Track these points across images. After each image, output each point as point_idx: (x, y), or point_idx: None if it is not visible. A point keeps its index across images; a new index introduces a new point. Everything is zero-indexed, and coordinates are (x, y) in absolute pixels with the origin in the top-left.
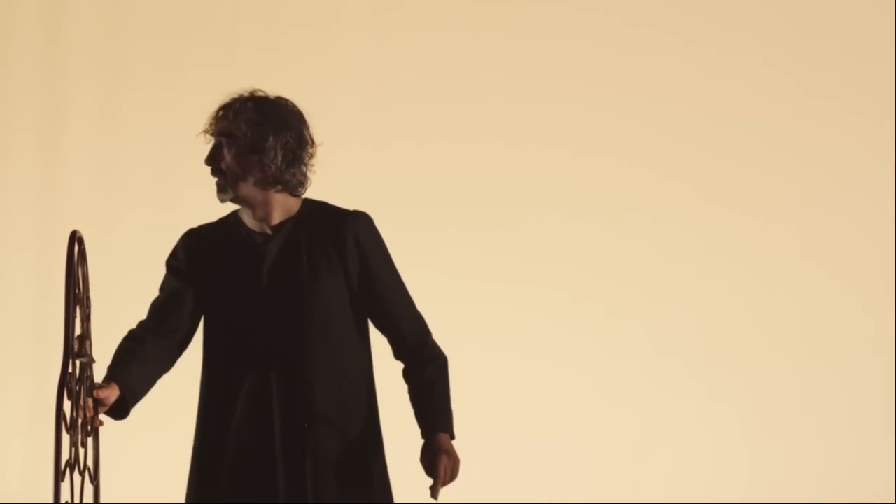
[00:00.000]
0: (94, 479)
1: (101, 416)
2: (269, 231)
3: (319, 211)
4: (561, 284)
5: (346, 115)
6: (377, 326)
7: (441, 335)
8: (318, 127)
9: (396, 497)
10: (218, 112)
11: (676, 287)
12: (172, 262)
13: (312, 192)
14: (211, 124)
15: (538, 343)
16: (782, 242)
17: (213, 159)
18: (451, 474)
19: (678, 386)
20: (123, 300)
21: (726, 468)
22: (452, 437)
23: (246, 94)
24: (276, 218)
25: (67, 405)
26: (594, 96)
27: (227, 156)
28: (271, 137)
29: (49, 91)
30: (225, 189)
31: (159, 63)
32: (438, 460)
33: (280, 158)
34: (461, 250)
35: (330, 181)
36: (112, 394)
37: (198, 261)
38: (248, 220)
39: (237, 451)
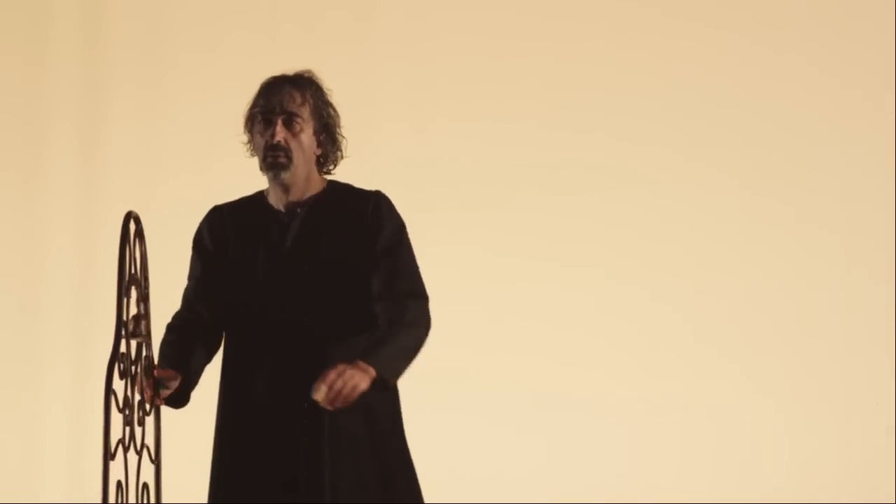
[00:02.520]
0: (155, 458)
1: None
2: (293, 209)
3: (341, 191)
4: (605, 266)
5: (388, 96)
6: (374, 296)
7: (484, 312)
8: (359, 107)
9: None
10: (282, 90)
11: (717, 272)
12: (198, 246)
13: (355, 170)
14: (275, 102)
15: (581, 323)
16: (822, 229)
17: (285, 137)
18: (339, 392)
19: (718, 368)
20: (166, 280)
21: (765, 451)
22: (382, 379)
23: (307, 74)
24: (303, 197)
25: (121, 385)
26: (635, 85)
27: (300, 134)
28: (331, 118)
29: (91, 75)
30: (287, 167)
31: (200, 46)
32: (339, 369)
33: (332, 139)
34: (504, 230)
35: (374, 159)
36: (175, 381)
37: (222, 240)
38: (274, 197)
39: (258, 428)
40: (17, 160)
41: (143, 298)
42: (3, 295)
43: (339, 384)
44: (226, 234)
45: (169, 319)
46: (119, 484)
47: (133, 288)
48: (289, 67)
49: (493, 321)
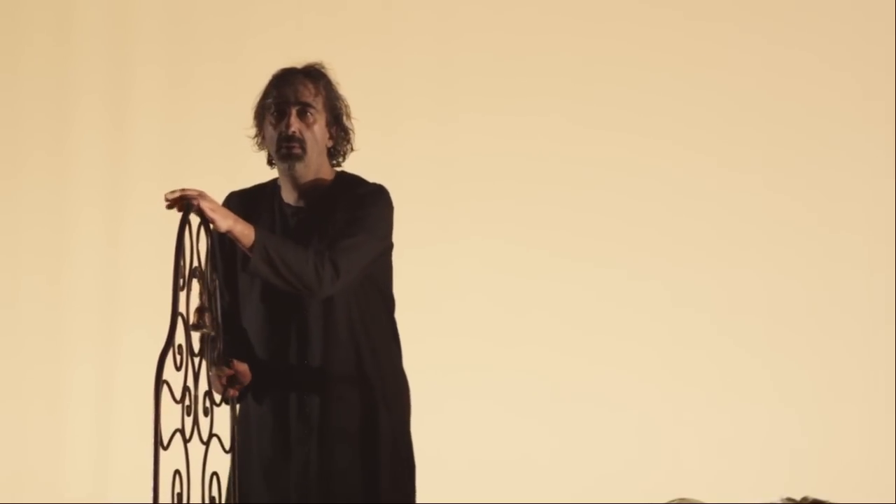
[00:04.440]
0: (231, 449)
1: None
2: (302, 202)
3: (348, 183)
4: (627, 262)
5: (412, 89)
6: None
7: (506, 305)
8: (381, 99)
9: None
10: (295, 81)
11: (738, 267)
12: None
13: (375, 163)
14: (288, 93)
15: (603, 317)
16: (845, 227)
17: (299, 128)
18: (187, 194)
19: (738, 363)
20: None
21: (785, 446)
22: (251, 246)
23: (318, 66)
24: (314, 188)
25: (174, 375)
26: (662, 83)
27: (314, 126)
28: (342, 110)
29: (115, 64)
30: (301, 158)
31: (224, 34)
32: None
33: (343, 131)
34: (527, 224)
35: (398, 152)
36: (248, 375)
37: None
38: (285, 189)
39: (262, 416)
40: (45, 149)
41: (208, 291)
42: (31, 286)
43: (204, 200)
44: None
45: None
46: (177, 473)
47: (196, 280)
48: (316, 55)
49: (516, 314)
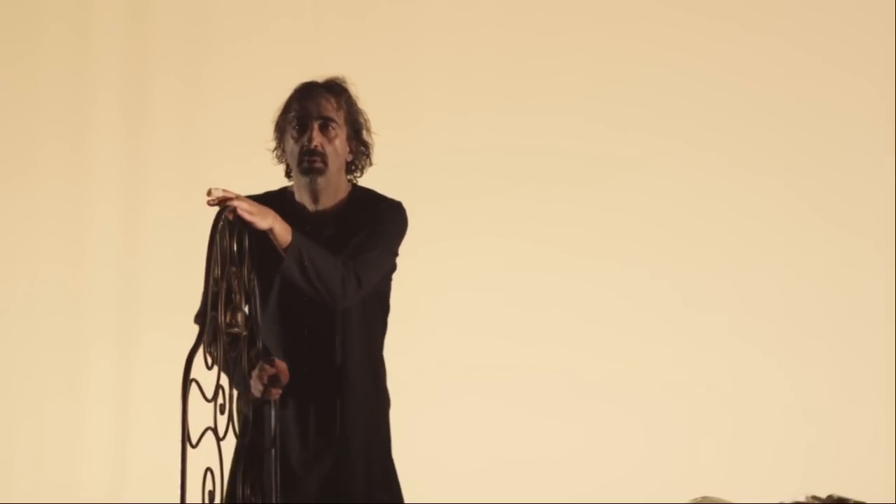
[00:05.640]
0: (273, 445)
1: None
2: (320, 217)
3: (363, 198)
4: (649, 261)
5: (429, 86)
6: None
7: (523, 304)
8: (400, 94)
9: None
10: (318, 96)
11: (759, 266)
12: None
13: (393, 161)
14: (311, 107)
15: (623, 316)
16: (868, 220)
17: (321, 142)
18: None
19: (760, 365)
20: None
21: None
22: (287, 247)
23: (339, 80)
24: (331, 201)
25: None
26: (680, 84)
27: (335, 140)
28: (363, 125)
29: (133, 61)
30: (323, 172)
31: (242, 32)
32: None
33: (363, 146)
34: (546, 222)
35: (416, 145)
36: (287, 372)
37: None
38: (305, 201)
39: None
40: (63, 148)
41: (245, 291)
42: (49, 285)
43: (242, 202)
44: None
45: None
46: (209, 471)
47: (231, 279)
48: (334, 53)
49: (533, 312)
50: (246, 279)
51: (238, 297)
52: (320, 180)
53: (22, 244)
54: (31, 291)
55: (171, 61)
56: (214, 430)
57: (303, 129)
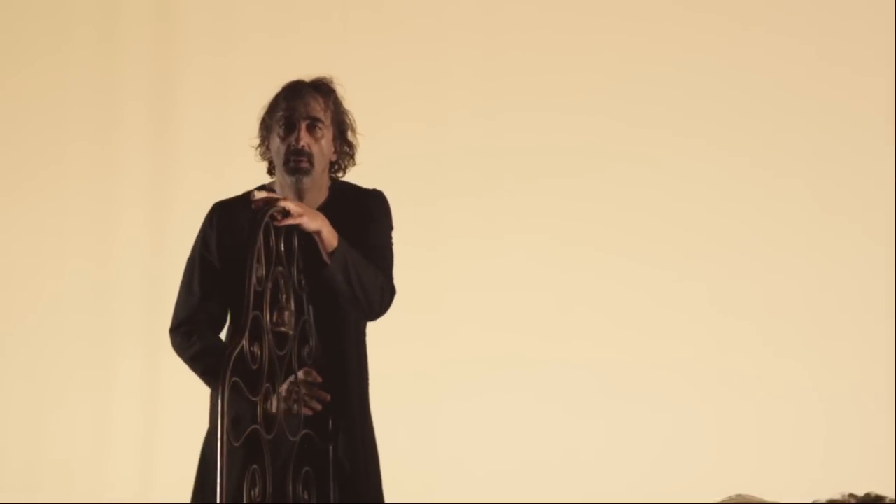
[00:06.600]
0: (324, 441)
1: None
2: None
3: (344, 191)
4: (667, 263)
5: (456, 83)
6: None
7: (553, 301)
8: (426, 92)
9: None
10: (306, 96)
11: (787, 274)
12: (205, 256)
13: (420, 156)
14: (299, 107)
15: (650, 315)
16: (888, 217)
17: (308, 143)
18: (291, 211)
19: (786, 366)
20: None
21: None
22: (333, 251)
23: (326, 80)
24: (315, 200)
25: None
26: (698, 83)
27: (321, 140)
28: (349, 125)
29: (160, 59)
30: (309, 172)
31: (269, 35)
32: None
33: (348, 146)
34: (575, 221)
35: (444, 141)
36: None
37: (226, 241)
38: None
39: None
40: (91, 150)
41: (295, 291)
42: (76, 286)
43: (290, 203)
44: (235, 231)
45: None
46: (254, 469)
47: (279, 280)
48: (362, 49)
49: (563, 310)
50: (296, 280)
51: (284, 296)
52: (306, 180)
53: (49, 242)
54: (59, 289)
55: (198, 61)
56: (260, 429)
57: (290, 128)
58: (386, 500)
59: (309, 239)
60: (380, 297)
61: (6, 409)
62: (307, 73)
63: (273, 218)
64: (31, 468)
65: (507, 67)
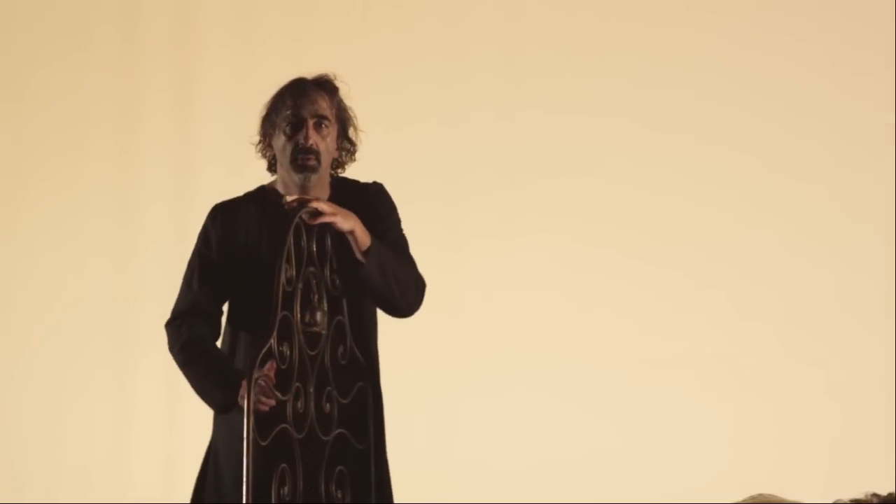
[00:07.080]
0: (362, 440)
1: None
2: None
3: (345, 187)
4: (687, 266)
5: (477, 83)
6: None
7: (575, 302)
8: (447, 92)
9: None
10: (311, 94)
11: (806, 278)
12: (205, 253)
13: (441, 156)
14: (306, 105)
15: (669, 318)
16: None
17: (316, 141)
18: (324, 210)
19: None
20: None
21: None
22: (367, 250)
23: (329, 77)
24: (318, 195)
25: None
26: (723, 87)
27: (327, 138)
28: (350, 123)
29: (180, 57)
30: (317, 170)
31: (289, 34)
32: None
33: (349, 143)
34: (596, 222)
35: (465, 141)
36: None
37: (230, 241)
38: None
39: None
40: (112, 147)
41: (328, 290)
42: (97, 284)
43: (322, 203)
44: (236, 232)
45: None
46: (284, 468)
47: (310, 280)
48: (385, 45)
49: (582, 310)
50: (328, 280)
51: (316, 296)
52: (313, 178)
53: (70, 241)
54: (79, 289)
55: (219, 60)
56: (289, 428)
57: (297, 126)
58: (406, 500)
59: (340, 239)
60: (415, 292)
61: (27, 409)
62: (327, 71)
63: (302, 218)
64: (51, 468)
65: (529, 67)
